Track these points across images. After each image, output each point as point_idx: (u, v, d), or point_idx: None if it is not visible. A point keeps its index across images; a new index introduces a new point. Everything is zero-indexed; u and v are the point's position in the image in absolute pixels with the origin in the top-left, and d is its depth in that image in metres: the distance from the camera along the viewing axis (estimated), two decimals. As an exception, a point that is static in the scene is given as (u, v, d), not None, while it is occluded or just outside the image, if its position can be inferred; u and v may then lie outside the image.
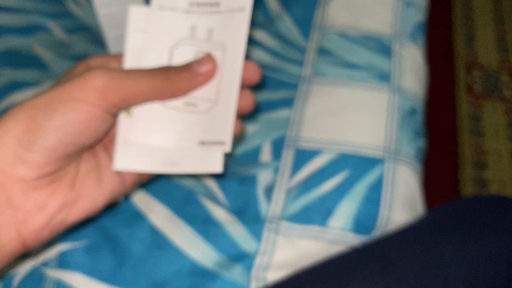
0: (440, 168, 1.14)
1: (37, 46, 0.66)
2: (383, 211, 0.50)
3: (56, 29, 0.68)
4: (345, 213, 0.49)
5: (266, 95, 0.58)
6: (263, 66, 0.62)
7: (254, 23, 0.67)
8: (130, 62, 0.36)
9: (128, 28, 0.37)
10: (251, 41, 0.65)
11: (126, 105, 0.34)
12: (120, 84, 0.32)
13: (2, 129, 0.31)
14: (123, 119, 0.36)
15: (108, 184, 0.36)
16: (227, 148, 0.36)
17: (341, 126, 0.55)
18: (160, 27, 0.37)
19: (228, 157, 0.53)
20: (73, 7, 0.71)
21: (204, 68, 0.36)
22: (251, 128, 0.55)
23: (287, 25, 0.66)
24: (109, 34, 0.55)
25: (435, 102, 1.08)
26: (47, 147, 0.31)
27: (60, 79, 0.35)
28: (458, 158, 1.20)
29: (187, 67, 0.36)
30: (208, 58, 0.36)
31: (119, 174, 0.37)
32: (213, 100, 0.37)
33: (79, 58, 0.65)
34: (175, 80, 0.35)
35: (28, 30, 0.68)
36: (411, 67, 0.63)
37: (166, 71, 0.35)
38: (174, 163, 0.36)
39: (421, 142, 0.58)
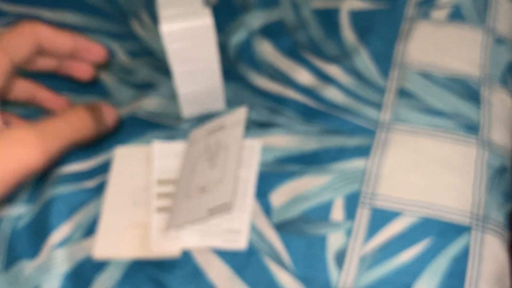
0: None
1: (100, 70, 0.63)
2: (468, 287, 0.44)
3: (120, 52, 0.65)
4: (425, 290, 0.44)
5: (339, 141, 0.53)
6: (336, 107, 0.56)
7: (327, 57, 0.62)
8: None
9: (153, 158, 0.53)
10: (324, 77, 0.59)
11: None
12: None
13: None
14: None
15: None
16: (230, 206, 0.44)
17: (424, 185, 0.49)
18: (190, 153, 0.52)
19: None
20: (137, 28, 0.68)
21: None
22: (321, 179, 0.50)
23: (364, 59, 0.60)
24: (177, 69, 0.51)
25: None
26: None
27: None
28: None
29: None
30: None
31: None
32: (218, 181, 0.47)
33: (142, 86, 0.61)
34: None
35: (91, 52, 0.65)
36: (501, 116, 0.56)
37: None
38: None
39: (509, 206, 0.51)
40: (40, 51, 0.49)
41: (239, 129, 0.50)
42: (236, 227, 0.47)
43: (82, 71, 0.53)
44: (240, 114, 0.51)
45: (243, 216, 0.48)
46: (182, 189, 0.49)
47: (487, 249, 0.46)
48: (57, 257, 0.48)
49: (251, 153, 0.52)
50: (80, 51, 0.51)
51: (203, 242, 0.46)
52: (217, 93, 0.56)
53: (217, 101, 0.57)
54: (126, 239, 0.48)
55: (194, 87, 0.54)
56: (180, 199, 0.48)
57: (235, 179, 0.46)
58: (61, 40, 0.49)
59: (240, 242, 0.46)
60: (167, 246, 0.47)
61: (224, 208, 0.43)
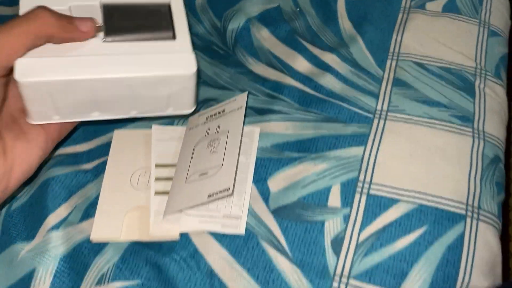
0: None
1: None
2: (462, 276, 0.44)
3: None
4: (421, 277, 0.43)
5: (337, 128, 0.52)
6: (334, 95, 0.55)
7: (325, 45, 0.60)
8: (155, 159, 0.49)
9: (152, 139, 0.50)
10: (322, 65, 0.58)
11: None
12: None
13: None
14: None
15: (36, 144, 0.40)
16: (231, 191, 0.42)
17: (420, 174, 0.48)
18: (189, 137, 0.50)
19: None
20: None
21: (84, 27, 0.38)
22: (319, 166, 0.49)
23: (361, 49, 0.59)
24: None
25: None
26: None
27: None
28: (510, 183, 1.11)
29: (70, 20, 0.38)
30: (89, 19, 0.38)
31: (43, 130, 0.41)
32: (219, 166, 0.45)
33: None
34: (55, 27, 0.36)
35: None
36: (494, 107, 0.55)
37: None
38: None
39: (502, 196, 0.50)
40: None
41: (240, 114, 0.48)
42: (236, 213, 0.46)
43: None
44: (241, 100, 0.50)
45: (243, 203, 0.46)
46: (181, 173, 0.47)
47: (481, 238, 0.46)
48: (53, 240, 0.46)
49: (250, 139, 0.51)
50: None
51: (202, 227, 0.45)
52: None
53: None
54: (124, 222, 0.46)
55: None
56: (179, 183, 0.47)
57: (237, 164, 0.45)
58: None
59: (239, 228, 0.45)
60: (165, 230, 0.45)
61: (225, 194, 0.42)
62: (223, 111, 0.50)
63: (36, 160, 0.41)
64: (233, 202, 0.46)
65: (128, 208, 0.47)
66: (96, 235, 0.46)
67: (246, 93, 0.50)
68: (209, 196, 0.43)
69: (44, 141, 0.41)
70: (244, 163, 0.49)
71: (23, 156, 0.39)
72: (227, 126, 0.48)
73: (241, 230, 0.45)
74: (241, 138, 0.47)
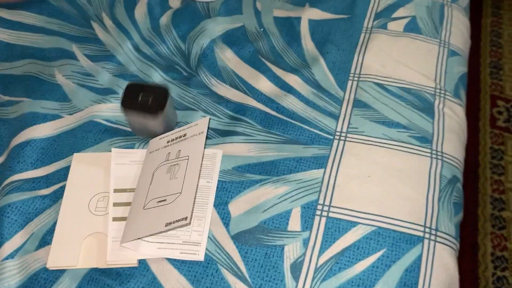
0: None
1: (58, 74, 0.60)
2: (420, 298, 0.44)
3: (80, 55, 0.62)
4: (379, 301, 0.43)
5: (297, 150, 0.52)
6: (295, 116, 0.55)
7: (288, 67, 0.60)
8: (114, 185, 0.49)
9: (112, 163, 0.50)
10: (285, 86, 0.58)
11: None
12: None
13: None
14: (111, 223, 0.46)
15: None
16: (189, 221, 0.43)
17: (378, 196, 0.48)
18: (149, 161, 0.50)
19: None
20: (99, 32, 0.65)
21: None
22: (280, 189, 0.49)
23: (323, 70, 0.59)
24: None
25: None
26: None
27: None
28: (478, 193, 1.12)
29: None
30: None
31: None
32: (178, 193, 0.45)
33: (102, 90, 0.59)
34: None
35: (51, 55, 0.62)
36: (453, 127, 0.56)
37: None
38: None
39: (460, 217, 0.51)
40: None
41: (201, 140, 0.48)
42: (195, 239, 0.45)
43: None
44: (203, 124, 0.49)
45: (203, 228, 0.46)
46: (139, 199, 0.47)
47: (438, 259, 0.46)
48: (8, 269, 0.45)
49: (212, 162, 0.50)
50: None
51: (160, 253, 0.44)
52: None
53: None
54: (82, 249, 0.45)
55: None
56: (137, 210, 0.46)
57: (196, 192, 0.44)
58: None
59: (198, 255, 0.44)
60: (123, 257, 0.44)
61: (183, 223, 0.41)
62: (185, 135, 0.50)
63: None
64: (193, 228, 0.46)
65: (86, 235, 0.46)
66: (53, 263, 0.45)
67: (207, 118, 0.50)
68: (166, 224, 0.42)
69: None
70: (205, 186, 0.49)
71: None
72: (187, 151, 0.48)
73: (201, 257, 0.44)
74: (201, 164, 0.47)
